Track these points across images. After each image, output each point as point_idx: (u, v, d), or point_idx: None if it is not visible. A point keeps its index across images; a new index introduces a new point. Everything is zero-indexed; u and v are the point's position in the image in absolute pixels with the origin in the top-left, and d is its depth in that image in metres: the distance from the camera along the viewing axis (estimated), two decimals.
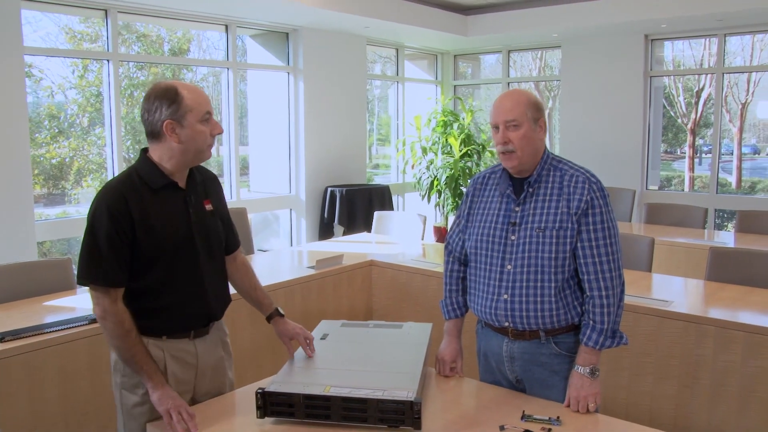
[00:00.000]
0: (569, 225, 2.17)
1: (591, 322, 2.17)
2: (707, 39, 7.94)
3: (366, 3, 6.87)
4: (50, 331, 2.80)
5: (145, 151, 2.12)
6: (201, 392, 2.24)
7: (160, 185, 2.08)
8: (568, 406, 2.17)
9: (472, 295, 2.37)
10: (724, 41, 7.56)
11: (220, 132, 2.13)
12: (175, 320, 2.13)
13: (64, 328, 2.84)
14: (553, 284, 2.18)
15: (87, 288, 2.12)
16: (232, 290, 2.38)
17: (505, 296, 2.23)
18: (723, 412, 3.00)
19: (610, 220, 2.19)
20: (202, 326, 2.21)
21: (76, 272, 2.05)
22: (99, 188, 2.06)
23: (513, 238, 2.23)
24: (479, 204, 2.37)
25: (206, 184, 2.25)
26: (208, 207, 2.22)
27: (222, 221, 2.29)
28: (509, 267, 2.23)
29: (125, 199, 2.00)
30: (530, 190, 2.24)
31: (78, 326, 2.88)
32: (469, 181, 2.71)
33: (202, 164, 2.26)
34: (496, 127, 2.22)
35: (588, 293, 2.19)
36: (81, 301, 3.36)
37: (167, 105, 2.02)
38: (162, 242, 2.05)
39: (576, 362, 2.19)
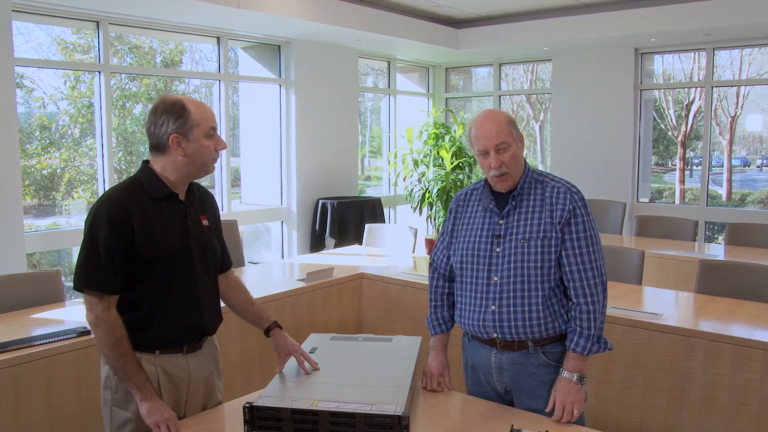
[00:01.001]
0: (553, 234, 2.22)
1: (578, 328, 2.20)
2: (696, 53, 8.00)
3: (357, 16, 6.90)
4: (38, 344, 2.78)
5: (147, 163, 2.15)
6: (191, 407, 2.23)
7: (162, 195, 2.10)
8: (552, 410, 2.17)
9: (460, 309, 2.38)
10: (713, 55, 7.63)
11: (224, 147, 2.17)
12: (169, 332, 2.13)
13: (52, 341, 2.82)
14: (540, 293, 2.22)
15: (79, 299, 2.12)
16: (225, 308, 2.38)
17: (493, 307, 2.25)
18: (712, 424, 3.00)
19: (591, 229, 2.25)
20: (196, 341, 2.21)
21: (72, 279, 2.05)
22: (90, 199, 2.09)
23: (498, 250, 2.26)
24: (463, 220, 2.41)
25: (203, 201, 2.28)
26: (205, 222, 2.24)
27: (217, 239, 2.31)
28: (496, 278, 2.25)
29: (125, 206, 2.02)
30: (514, 203, 2.28)
31: (66, 339, 2.86)
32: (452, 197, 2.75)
33: (200, 182, 2.29)
34: (484, 153, 2.24)
35: (574, 300, 2.23)
36: (69, 314, 3.34)
37: (174, 119, 2.04)
38: (160, 250, 2.06)
39: (564, 368, 2.21)
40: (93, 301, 2.00)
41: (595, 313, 2.20)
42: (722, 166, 8.37)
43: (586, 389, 2.22)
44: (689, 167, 8.65)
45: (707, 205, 7.79)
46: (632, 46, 7.91)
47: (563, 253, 2.22)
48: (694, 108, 8.51)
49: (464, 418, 2.23)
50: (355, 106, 8.26)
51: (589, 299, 2.20)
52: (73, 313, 3.35)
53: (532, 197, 2.28)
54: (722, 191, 8.39)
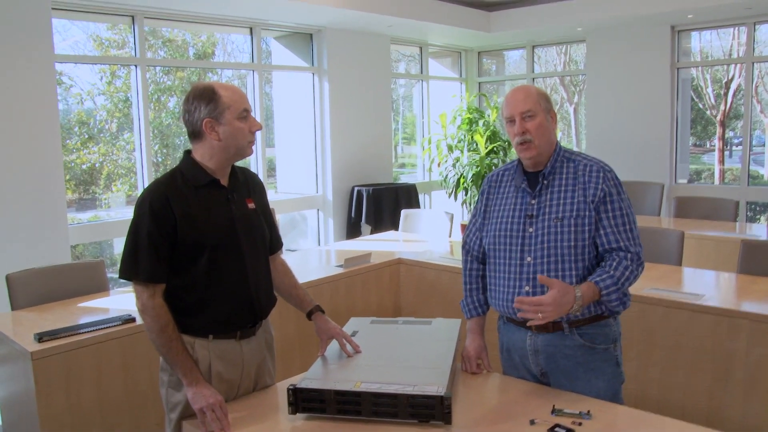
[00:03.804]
0: (587, 213, 2.20)
1: (611, 270, 2.16)
2: (736, 28, 7.81)
3: (389, 2, 6.88)
4: (85, 332, 2.86)
5: (188, 152, 2.19)
6: (243, 391, 2.27)
7: (203, 183, 2.14)
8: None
9: (493, 291, 2.38)
10: (754, 30, 7.43)
11: (259, 128, 2.18)
12: (221, 317, 2.16)
13: (99, 329, 2.90)
14: (573, 272, 2.21)
15: (122, 288, 2.16)
16: None
17: (527, 288, 2.24)
18: (758, 406, 2.96)
19: (627, 207, 2.25)
20: (249, 326, 2.24)
21: (117, 269, 2.11)
22: (129, 192, 2.13)
23: (531, 230, 2.26)
24: (495, 200, 2.40)
25: (249, 184, 2.31)
26: (251, 205, 2.26)
27: (265, 221, 2.33)
28: (529, 259, 2.24)
29: (167, 197, 2.07)
30: (545, 182, 2.27)
31: (112, 326, 2.94)
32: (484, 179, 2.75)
33: (245, 166, 2.32)
34: (511, 120, 2.26)
35: (614, 256, 2.19)
36: (114, 302, 3.43)
37: (205, 104, 2.08)
38: (205, 236, 2.10)
39: (579, 286, 2.12)
40: (139, 290, 2.07)
41: (631, 272, 2.17)
42: (764, 145, 8.17)
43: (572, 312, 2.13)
44: (728, 147, 8.46)
45: (748, 185, 7.63)
46: (668, 24, 7.75)
47: (601, 231, 2.21)
48: (733, 86, 8.32)
49: (505, 399, 2.23)
50: (387, 93, 8.25)
51: (627, 262, 2.17)
52: (118, 301, 3.44)
53: (564, 175, 2.27)
54: (764, 171, 8.20)
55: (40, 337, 2.76)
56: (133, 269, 2.06)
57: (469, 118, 8.28)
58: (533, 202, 2.28)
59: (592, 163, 2.26)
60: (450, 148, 8.28)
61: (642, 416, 2.07)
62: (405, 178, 9.31)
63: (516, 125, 2.24)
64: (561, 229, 2.21)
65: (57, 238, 5.18)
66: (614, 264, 2.17)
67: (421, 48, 9.04)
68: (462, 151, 8.19)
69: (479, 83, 9.81)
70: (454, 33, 8.40)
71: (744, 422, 3.00)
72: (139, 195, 2.14)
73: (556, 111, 2.34)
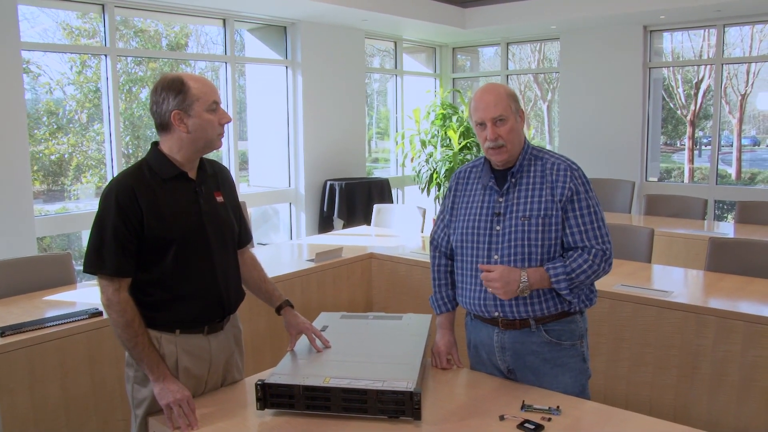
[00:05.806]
0: (554, 212, 2.20)
1: (567, 261, 2.18)
2: (706, 30, 7.92)
3: None
4: (51, 326, 2.81)
5: (155, 144, 2.14)
6: (210, 387, 2.24)
7: (170, 176, 2.10)
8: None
9: (460, 289, 2.38)
10: (723, 32, 7.54)
11: (228, 121, 2.14)
12: (189, 311, 2.13)
13: (65, 323, 2.85)
14: None
15: (90, 281, 2.12)
16: None
17: None
18: (723, 401, 3.00)
19: (595, 204, 2.24)
20: (217, 321, 2.21)
21: (82, 262, 2.06)
22: (99, 184, 2.08)
23: (498, 228, 2.25)
24: (462, 197, 2.39)
25: (218, 177, 2.26)
26: (219, 199, 2.23)
27: (234, 214, 2.30)
28: (496, 257, 2.24)
29: (133, 190, 2.02)
30: (513, 180, 2.27)
31: (78, 320, 2.88)
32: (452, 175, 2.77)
33: (214, 158, 2.28)
34: (482, 125, 2.23)
35: (576, 250, 2.21)
36: (81, 296, 3.37)
37: (174, 95, 2.03)
38: (172, 231, 2.06)
39: (527, 269, 2.17)
40: (104, 284, 2.03)
41: (590, 266, 2.17)
42: (731, 145, 8.30)
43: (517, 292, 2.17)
44: (698, 147, 8.59)
45: (717, 184, 7.75)
46: (641, 24, 7.83)
47: (567, 231, 2.21)
48: (703, 86, 8.44)
49: (475, 395, 2.23)
50: (362, 87, 8.23)
51: (589, 256, 2.18)
52: (85, 295, 3.38)
53: (531, 174, 2.26)
54: (731, 170, 8.33)
55: (3, 332, 2.69)
56: (98, 263, 2.01)
57: (442, 113, 8.30)
58: (501, 200, 2.27)
59: (559, 162, 2.26)
60: (423, 144, 8.29)
61: (610, 411, 2.09)
62: (378, 173, 9.30)
63: (488, 130, 2.21)
64: (528, 228, 2.21)
65: (23, 230, 5.08)
66: (574, 256, 2.19)
67: (395, 43, 9.02)
68: (435, 147, 8.20)
69: (453, 79, 9.83)
70: (428, 28, 8.39)
71: (709, 417, 3.04)
72: (104, 188, 2.09)
73: (529, 108, 2.34)
